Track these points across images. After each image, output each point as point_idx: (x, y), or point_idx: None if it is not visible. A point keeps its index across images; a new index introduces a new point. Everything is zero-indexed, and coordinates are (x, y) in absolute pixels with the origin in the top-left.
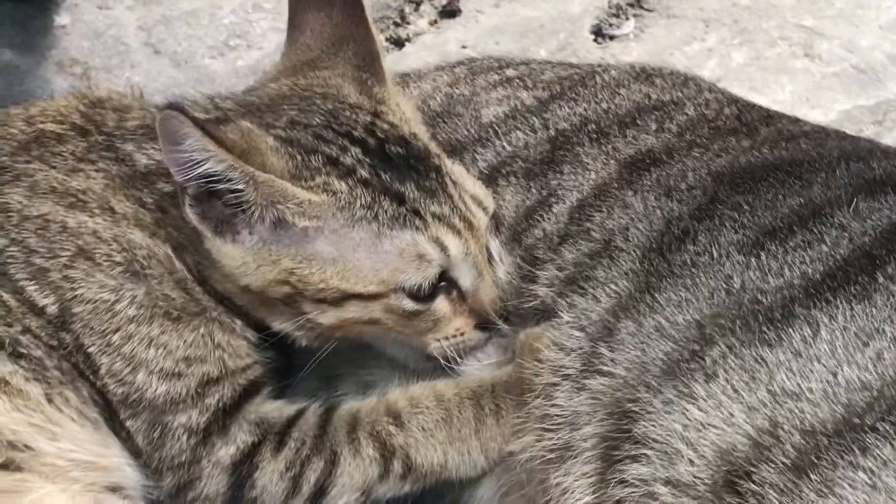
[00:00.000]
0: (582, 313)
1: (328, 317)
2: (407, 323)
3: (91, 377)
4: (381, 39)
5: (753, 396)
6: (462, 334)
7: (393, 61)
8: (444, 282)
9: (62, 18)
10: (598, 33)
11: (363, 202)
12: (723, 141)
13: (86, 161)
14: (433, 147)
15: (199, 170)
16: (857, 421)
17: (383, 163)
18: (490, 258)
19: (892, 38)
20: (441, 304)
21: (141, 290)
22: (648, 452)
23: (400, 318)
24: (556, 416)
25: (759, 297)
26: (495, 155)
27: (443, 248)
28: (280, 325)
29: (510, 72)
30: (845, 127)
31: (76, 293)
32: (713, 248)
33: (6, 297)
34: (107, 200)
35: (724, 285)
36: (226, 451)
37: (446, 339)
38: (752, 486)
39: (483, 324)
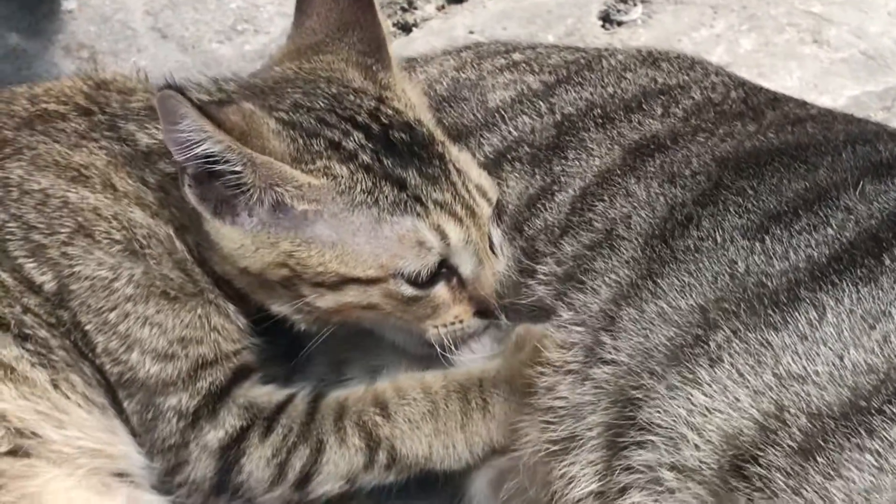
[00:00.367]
0: (581, 308)
1: (326, 301)
2: (406, 308)
3: (90, 356)
4: (388, 25)
5: (759, 380)
6: (461, 322)
7: (400, 46)
8: (445, 269)
9: (69, 3)
10: (606, 19)
11: (364, 187)
12: (728, 125)
13: (89, 138)
14: (438, 134)
15: (197, 150)
16: (863, 403)
17: (386, 148)
18: (491, 247)
19: None
20: (440, 291)
21: (139, 269)
22: (654, 438)
23: (399, 303)
24: (560, 408)
25: (765, 280)
26: (501, 140)
27: (443, 236)
28: (278, 308)
29: (517, 56)
30: (853, 113)
31: (74, 270)
32: (717, 233)
33: (4, 275)
34: (109, 177)
35: (728, 269)
36: (214, 435)
37: (444, 326)
38: (759, 469)
39: (482, 312)
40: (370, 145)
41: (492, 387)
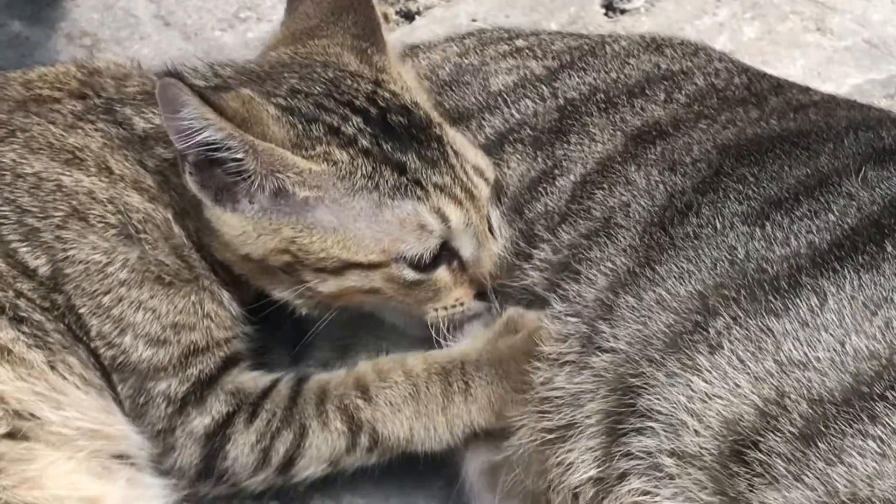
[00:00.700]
0: (576, 299)
1: (328, 285)
2: (408, 292)
3: (85, 339)
4: (391, 13)
5: (760, 366)
6: (462, 304)
7: (403, 34)
8: (445, 252)
9: None
10: (609, 7)
11: (364, 172)
12: (731, 112)
13: (85, 120)
14: (435, 116)
15: (199, 137)
16: (865, 389)
17: (385, 132)
18: (490, 229)
19: None
20: (442, 274)
21: (134, 253)
22: (653, 425)
23: (401, 287)
24: (557, 398)
25: (765, 266)
26: (503, 122)
27: (444, 219)
28: (280, 293)
29: (520, 42)
30: None
31: (68, 254)
32: (717, 220)
33: None
34: (104, 160)
35: (728, 256)
36: (200, 422)
37: (445, 308)
38: (760, 455)
39: (483, 294)
40: (369, 129)
41: (474, 370)
